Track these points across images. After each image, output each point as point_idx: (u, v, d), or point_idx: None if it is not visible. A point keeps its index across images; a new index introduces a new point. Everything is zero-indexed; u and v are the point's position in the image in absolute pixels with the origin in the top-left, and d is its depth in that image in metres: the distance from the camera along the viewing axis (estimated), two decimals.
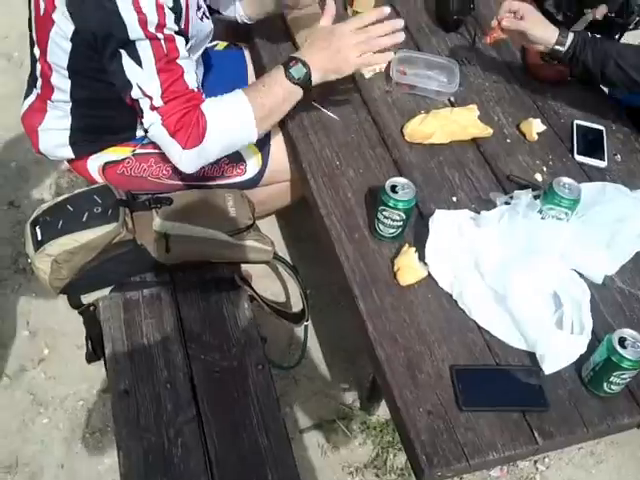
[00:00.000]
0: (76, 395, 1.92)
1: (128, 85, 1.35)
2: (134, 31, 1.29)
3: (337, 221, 1.39)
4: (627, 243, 1.38)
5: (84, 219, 1.42)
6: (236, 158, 1.62)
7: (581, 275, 1.33)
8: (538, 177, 1.53)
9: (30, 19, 1.45)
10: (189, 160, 1.43)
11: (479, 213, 1.37)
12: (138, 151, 1.58)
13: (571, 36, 1.51)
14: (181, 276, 1.56)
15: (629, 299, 1.34)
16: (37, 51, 1.46)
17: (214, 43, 1.85)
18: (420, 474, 1.10)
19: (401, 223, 1.33)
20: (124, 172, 1.59)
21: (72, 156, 1.59)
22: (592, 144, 1.61)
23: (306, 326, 1.65)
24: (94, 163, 1.60)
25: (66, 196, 1.50)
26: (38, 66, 1.49)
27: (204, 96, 1.44)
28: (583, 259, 1.33)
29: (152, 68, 1.33)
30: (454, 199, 1.47)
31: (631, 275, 1.38)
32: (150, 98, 1.36)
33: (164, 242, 1.49)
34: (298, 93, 1.45)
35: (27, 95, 1.60)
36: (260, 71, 1.70)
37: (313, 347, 2.06)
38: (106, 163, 1.59)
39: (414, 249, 1.32)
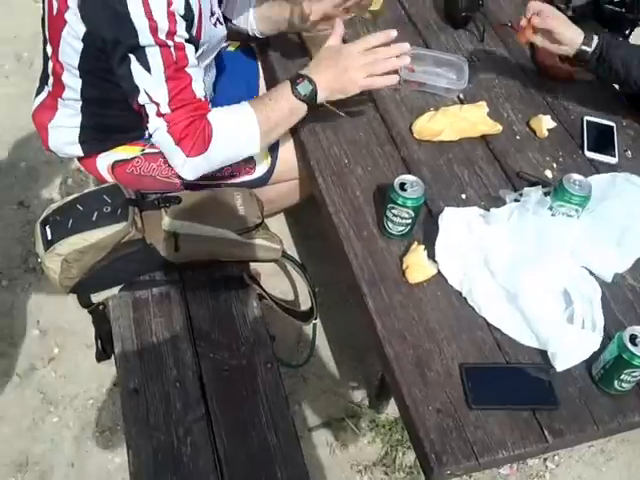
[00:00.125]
0: (86, 394, 1.93)
1: (135, 90, 1.36)
2: (144, 37, 1.29)
3: (345, 219, 1.39)
4: (637, 240, 1.37)
5: (94, 218, 1.43)
6: (245, 157, 1.62)
7: (591, 272, 1.32)
8: (548, 174, 1.52)
9: (43, 18, 1.46)
10: (191, 168, 1.44)
11: (489, 210, 1.36)
12: (147, 150, 1.58)
13: (596, 37, 1.49)
14: (190, 275, 1.57)
15: None
16: (49, 49, 1.47)
17: (226, 44, 1.86)
18: (429, 472, 1.10)
19: (410, 221, 1.32)
20: (133, 171, 1.60)
21: (81, 154, 1.60)
22: (602, 140, 1.60)
23: (315, 324, 1.65)
24: (103, 162, 1.61)
25: (76, 195, 1.50)
26: (50, 64, 1.49)
27: (210, 105, 1.45)
28: (593, 257, 1.33)
29: (161, 75, 1.34)
30: (463, 196, 1.46)
31: None
32: (157, 104, 1.36)
33: (173, 241, 1.49)
34: (303, 109, 1.46)
35: (38, 92, 1.61)
36: (272, 83, 1.70)
37: (322, 345, 2.06)
38: (115, 162, 1.60)
39: (423, 247, 1.31)
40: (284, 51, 1.74)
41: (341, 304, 2.09)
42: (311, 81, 1.43)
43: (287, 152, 1.66)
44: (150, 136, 1.45)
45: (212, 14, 1.50)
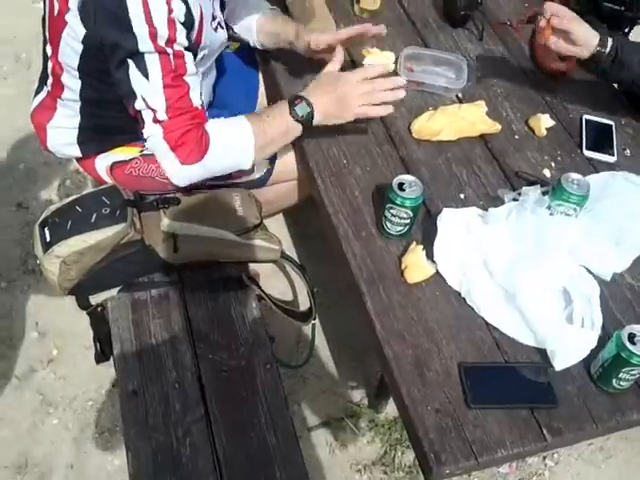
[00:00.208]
0: (85, 395, 1.93)
1: (132, 95, 1.36)
2: (144, 43, 1.29)
3: (344, 219, 1.39)
4: (636, 240, 1.37)
5: (92, 220, 1.43)
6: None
7: (590, 271, 1.32)
8: (546, 173, 1.52)
9: (44, 18, 1.46)
10: (185, 175, 1.45)
11: (487, 210, 1.36)
12: (146, 151, 1.57)
13: (610, 39, 1.49)
14: (189, 276, 1.57)
15: (639, 295, 1.33)
16: (49, 50, 1.47)
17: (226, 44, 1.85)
18: (428, 472, 1.10)
19: (408, 221, 1.32)
20: (132, 172, 1.60)
21: (79, 155, 1.60)
22: (601, 139, 1.60)
23: (314, 324, 1.65)
24: (102, 163, 1.60)
25: (74, 197, 1.51)
26: (49, 64, 1.49)
27: (206, 114, 1.45)
28: (592, 256, 1.33)
29: (159, 82, 1.34)
30: (462, 196, 1.46)
31: None
32: (154, 111, 1.36)
33: (172, 242, 1.49)
34: (298, 130, 1.47)
35: (37, 92, 1.60)
36: (272, 85, 1.70)
37: (321, 345, 2.06)
38: (114, 163, 1.60)
39: (421, 247, 1.31)
40: (284, 52, 1.74)
41: (340, 304, 2.09)
42: (309, 104, 1.45)
43: (286, 153, 1.66)
44: (145, 141, 1.45)
45: (214, 18, 1.51)
